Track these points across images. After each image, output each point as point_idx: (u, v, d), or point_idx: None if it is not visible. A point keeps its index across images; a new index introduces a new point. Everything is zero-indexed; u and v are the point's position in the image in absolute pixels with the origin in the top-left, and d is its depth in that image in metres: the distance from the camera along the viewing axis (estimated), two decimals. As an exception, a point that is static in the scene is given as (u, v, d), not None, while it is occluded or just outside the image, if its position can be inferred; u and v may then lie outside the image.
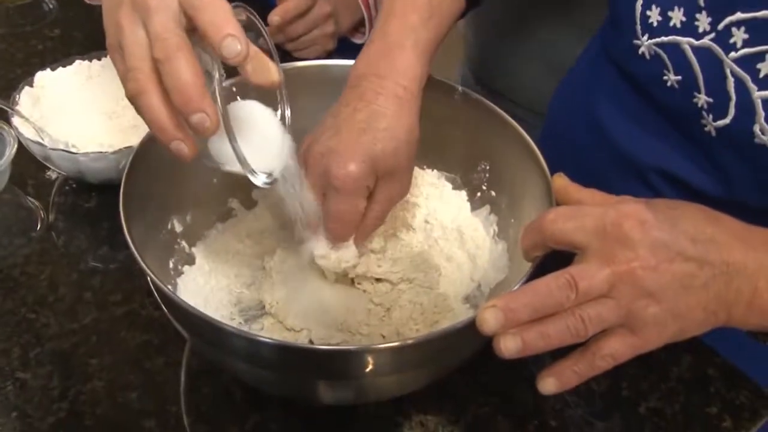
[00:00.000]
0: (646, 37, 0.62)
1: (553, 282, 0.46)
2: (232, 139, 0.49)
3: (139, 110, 0.49)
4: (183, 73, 0.46)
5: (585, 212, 0.48)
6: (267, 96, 0.56)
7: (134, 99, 0.48)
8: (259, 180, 0.53)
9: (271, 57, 0.51)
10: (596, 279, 0.45)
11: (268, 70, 0.51)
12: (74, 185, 0.81)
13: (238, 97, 0.56)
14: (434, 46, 0.63)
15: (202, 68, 0.47)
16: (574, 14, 0.96)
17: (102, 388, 0.63)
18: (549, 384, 0.48)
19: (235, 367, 0.56)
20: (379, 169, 0.59)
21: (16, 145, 0.76)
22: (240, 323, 0.66)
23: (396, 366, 0.53)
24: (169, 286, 0.64)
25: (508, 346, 0.45)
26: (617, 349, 0.46)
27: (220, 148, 0.52)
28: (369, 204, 0.60)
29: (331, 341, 0.63)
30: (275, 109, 0.57)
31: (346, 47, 1.06)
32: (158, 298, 0.54)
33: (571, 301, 0.45)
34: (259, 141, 0.54)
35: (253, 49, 0.51)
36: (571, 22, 0.96)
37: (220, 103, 0.48)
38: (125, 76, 0.49)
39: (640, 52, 0.64)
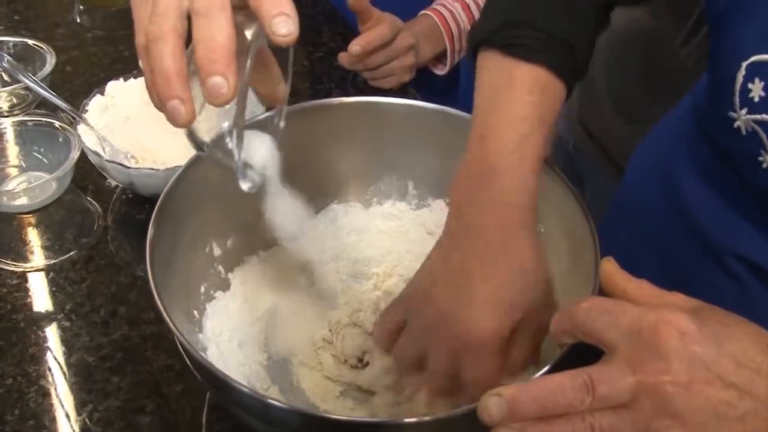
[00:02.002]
0: (744, 111, 0.55)
1: (568, 380, 0.41)
2: (239, 124, 0.46)
3: (150, 57, 0.44)
4: (221, 32, 0.43)
5: (622, 309, 0.43)
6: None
7: (151, 43, 0.44)
8: (245, 183, 0.51)
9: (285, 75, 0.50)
10: (618, 386, 0.40)
11: (274, 85, 0.50)
12: (131, 195, 0.82)
13: None
14: (543, 152, 0.56)
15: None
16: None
17: (117, 408, 0.63)
18: None
19: (248, 421, 0.54)
20: (515, 315, 0.52)
21: (79, 151, 0.78)
22: (267, 364, 0.64)
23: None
24: (195, 311, 0.63)
25: None
26: None
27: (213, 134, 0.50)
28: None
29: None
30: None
31: (422, 78, 1.04)
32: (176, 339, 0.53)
33: (586, 405, 0.41)
34: (251, 148, 0.53)
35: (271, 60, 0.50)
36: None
37: (243, 83, 0.45)
38: (149, 20, 0.45)
39: (735, 126, 0.57)
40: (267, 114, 0.54)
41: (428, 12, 1.03)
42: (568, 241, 0.61)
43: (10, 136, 0.83)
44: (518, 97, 0.54)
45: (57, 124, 0.81)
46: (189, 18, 0.46)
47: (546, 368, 0.48)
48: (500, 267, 0.52)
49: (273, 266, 0.72)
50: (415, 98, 0.94)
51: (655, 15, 0.90)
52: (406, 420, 0.48)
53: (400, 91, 1.00)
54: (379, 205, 0.75)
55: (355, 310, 0.69)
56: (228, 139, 0.49)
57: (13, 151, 0.83)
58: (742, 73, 0.54)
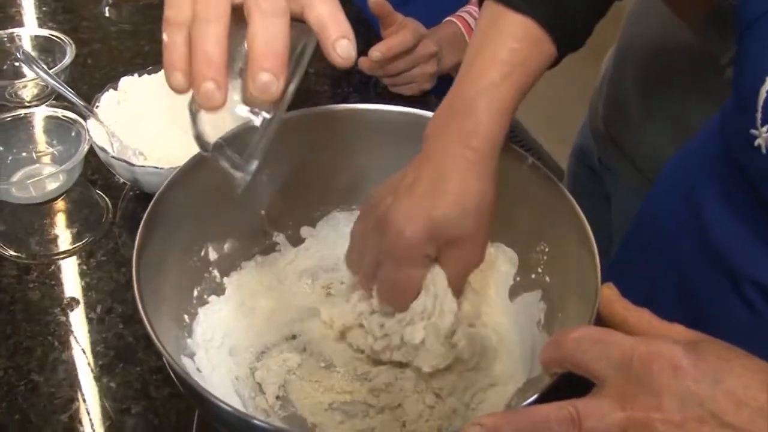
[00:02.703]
0: (766, 128, 0.53)
1: (554, 412, 0.39)
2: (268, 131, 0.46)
3: (195, 35, 0.43)
4: (281, 34, 0.43)
5: (613, 339, 0.41)
6: None
7: (198, 23, 0.43)
8: (246, 173, 0.50)
9: None
10: (606, 421, 0.38)
11: None
12: (138, 192, 0.81)
13: None
14: (513, 103, 0.58)
15: None
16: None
17: (103, 408, 0.62)
18: None
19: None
20: (439, 236, 0.55)
21: (89, 144, 0.78)
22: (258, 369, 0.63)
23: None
24: (186, 316, 0.62)
25: None
26: None
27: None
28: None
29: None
30: None
31: (444, 86, 1.02)
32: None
33: None
34: None
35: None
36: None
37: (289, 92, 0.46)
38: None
39: (755, 143, 0.54)
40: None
41: (453, 19, 1.01)
42: (574, 265, 0.58)
43: (25, 126, 0.83)
44: (503, 42, 0.56)
45: (70, 116, 0.81)
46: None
47: (534, 397, 0.46)
48: (442, 193, 0.54)
49: (270, 272, 0.70)
50: (435, 107, 0.92)
51: (696, 30, 0.87)
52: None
53: (421, 99, 0.98)
54: None
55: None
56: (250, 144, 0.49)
57: (26, 141, 0.83)
58: (765, 87, 0.52)
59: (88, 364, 0.65)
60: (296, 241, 0.72)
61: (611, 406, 0.39)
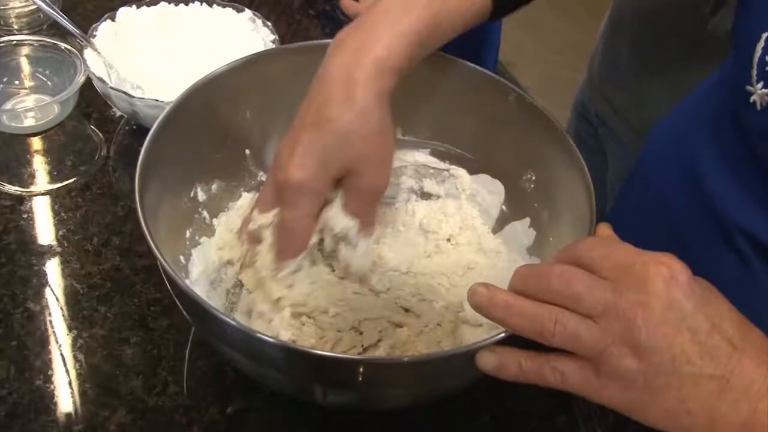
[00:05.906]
0: (761, 85, 0.54)
1: (557, 269, 0.43)
2: None
3: None
4: None
5: (621, 246, 0.45)
6: None
7: None
8: None
9: None
10: (594, 293, 0.41)
11: None
12: (135, 126, 0.80)
13: None
14: (419, 34, 0.55)
15: None
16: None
17: (101, 338, 0.62)
18: (487, 357, 0.45)
19: (230, 355, 0.53)
20: (330, 167, 0.53)
21: (84, 76, 0.77)
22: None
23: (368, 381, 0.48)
24: (182, 257, 0.62)
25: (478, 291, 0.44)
26: (570, 374, 0.42)
27: None
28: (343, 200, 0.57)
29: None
30: None
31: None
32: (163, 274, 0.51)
33: (557, 295, 0.42)
34: None
35: None
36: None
37: None
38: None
39: (751, 100, 0.55)
40: None
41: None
42: (565, 190, 0.60)
43: (16, 55, 0.81)
44: None
45: (64, 47, 0.79)
46: None
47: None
48: (327, 119, 0.52)
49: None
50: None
51: None
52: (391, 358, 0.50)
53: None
54: None
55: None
56: None
57: (18, 71, 0.82)
58: (761, 44, 0.53)
59: (85, 294, 0.65)
60: None
61: (605, 287, 0.41)
